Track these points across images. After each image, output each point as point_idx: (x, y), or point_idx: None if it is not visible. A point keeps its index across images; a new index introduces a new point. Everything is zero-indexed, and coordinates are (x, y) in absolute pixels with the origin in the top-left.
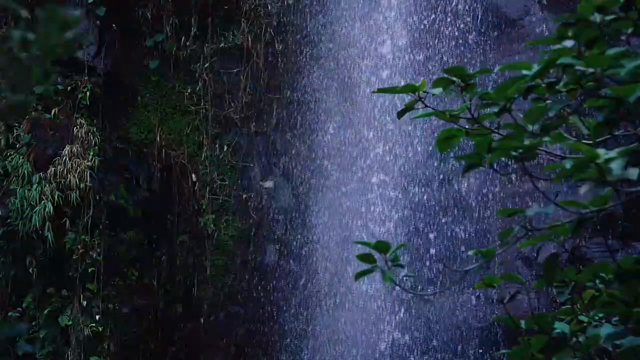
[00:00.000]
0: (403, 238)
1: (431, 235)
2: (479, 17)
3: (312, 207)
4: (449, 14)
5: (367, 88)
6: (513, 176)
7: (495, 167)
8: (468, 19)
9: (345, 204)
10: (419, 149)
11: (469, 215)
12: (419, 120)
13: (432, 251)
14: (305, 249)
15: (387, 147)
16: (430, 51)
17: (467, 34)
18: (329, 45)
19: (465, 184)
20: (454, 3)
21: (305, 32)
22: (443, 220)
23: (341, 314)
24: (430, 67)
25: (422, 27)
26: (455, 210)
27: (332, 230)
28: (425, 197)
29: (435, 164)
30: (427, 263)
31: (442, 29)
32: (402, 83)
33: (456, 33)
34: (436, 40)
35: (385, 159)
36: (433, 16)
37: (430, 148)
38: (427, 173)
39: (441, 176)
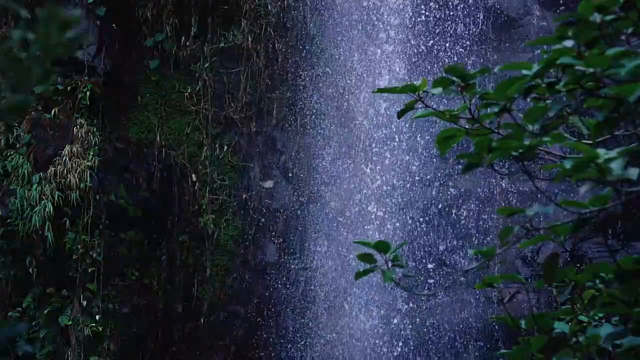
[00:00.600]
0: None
1: (430, 266)
2: (479, 32)
3: (310, 233)
4: (448, 39)
5: (365, 120)
6: (513, 199)
7: (495, 167)
8: (467, 43)
9: (343, 233)
10: (417, 178)
11: (468, 243)
12: (417, 149)
13: (431, 281)
14: (303, 275)
15: (385, 179)
16: (429, 77)
17: (466, 59)
18: (326, 69)
19: (465, 212)
20: (452, 29)
21: (302, 54)
22: (441, 249)
23: (338, 348)
24: None
25: (420, 52)
26: (455, 241)
27: (330, 260)
28: (424, 226)
29: (434, 193)
30: (425, 290)
31: (440, 54)
32: (400, 120)
33: (455, 58)
34: (434, 66)
35: (382, 189)
36: (432, 42)
37: (429, 176)
38: (425, 202)
39: (439, 205)
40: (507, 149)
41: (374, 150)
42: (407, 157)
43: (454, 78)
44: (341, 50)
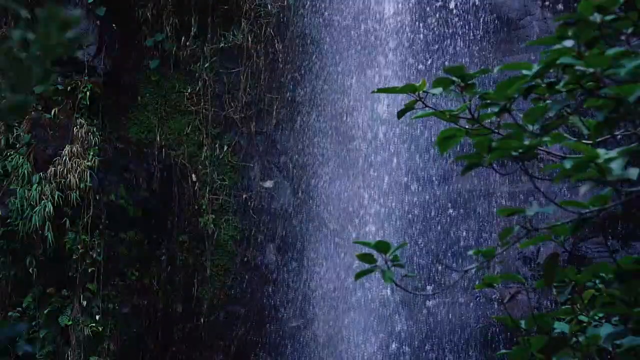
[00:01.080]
0: (399, 295)
1: (429, 287)
2: (478, 49)
3: (310, 254)
4: (447, 56)
5: (363, 144)
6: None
7: (495, 167)
8: (466, 59)
9: (341, 255)
10: (416, 199)
11: (467, 262)
12: (417, 171)
13: (429, 303)
14: (301, 294)
15: (382, 201)
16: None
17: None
18: (324, 87)
19: (464, 232)
20: (451, 48)
21: (301, 72)
22: (440, 269)
23: None
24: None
25: (419, 70)
26: (454, 262)
27: (329, 283)
28: (422, 246)
29: (433, 213)
30: (425, 311)
31: (439, 72)
32: (398, 143)
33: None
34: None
35: (381, 212)
36: (430, 60)
37: (428, 197)
38: (425, 225)
39: (439, 227)
40: (507, 149)
41: (373, 175)
42: (406, 179)
43: (454, 78)
44: (339, 68)
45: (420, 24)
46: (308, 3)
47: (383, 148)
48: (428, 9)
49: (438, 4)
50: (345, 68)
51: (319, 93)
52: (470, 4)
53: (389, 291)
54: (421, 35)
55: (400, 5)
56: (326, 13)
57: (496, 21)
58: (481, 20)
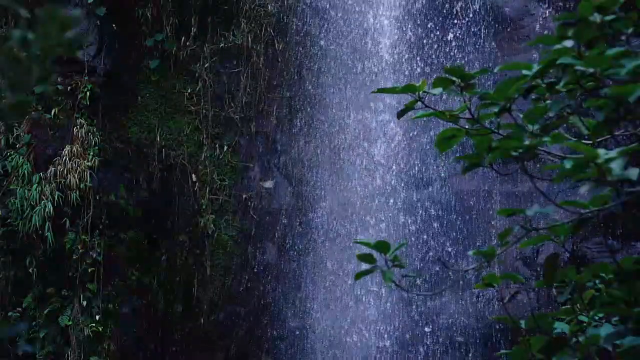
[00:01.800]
0: (398, 330)
1: (427, 329)
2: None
3: (309, 286)
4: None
5: (358, 186)
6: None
7: (495, 167)
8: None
9: (339, 289)
10: (413, 239)
11: (469, 293)
12: (415, 206)
13: (427, 330)
14: (298, 331)
15: (380, 237)
16: (429, 134)
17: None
18: (321, 118)
19: (465, 263)
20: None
21: (298, 99)
22: (438, 303)
23: None
24: (424, 152)
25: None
26: (454, 305)
27: (327, 320)
28: (419, 284)
29: (432, 253)
30: (425, 341)
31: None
32: (395, 183)
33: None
34: (431, 120)
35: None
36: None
37: (426, 236)
38: (422, 265)
39: (437, 267)
40: (507, 149)
41: (372, 222)
42: (403, 219)
43: (454, 78)
44: (334, 100)
45: (418, 58)
46: (304, 29)
47: (382, 192)
48: (425, 41)
49: (437, 34)
50: (342, 103)
51: (316, 122)
52: (471, 32)
53: (386, 342)
54: (418, 69)
55: (396, 38)
56: (322, 42)
57: (493, 44)
58: (480, 51)
